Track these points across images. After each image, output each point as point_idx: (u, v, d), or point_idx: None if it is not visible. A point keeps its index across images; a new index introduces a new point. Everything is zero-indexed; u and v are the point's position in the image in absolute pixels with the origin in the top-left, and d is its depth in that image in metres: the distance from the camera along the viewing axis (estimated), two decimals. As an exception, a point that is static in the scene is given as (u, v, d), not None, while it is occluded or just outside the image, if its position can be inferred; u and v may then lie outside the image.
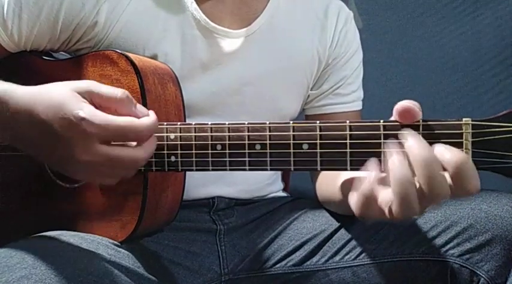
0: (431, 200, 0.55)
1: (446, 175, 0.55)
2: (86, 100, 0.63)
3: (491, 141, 0.56)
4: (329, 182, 0.84)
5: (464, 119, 0.57)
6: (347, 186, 0.61)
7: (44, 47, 0.82)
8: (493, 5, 1.40)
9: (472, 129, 0.57)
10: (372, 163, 0.58)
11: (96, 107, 0.63)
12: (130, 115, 0.64)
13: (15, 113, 0.64)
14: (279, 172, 1.01)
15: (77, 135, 0.61)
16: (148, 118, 0.64)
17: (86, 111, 0.61)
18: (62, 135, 0.61)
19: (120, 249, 0.75)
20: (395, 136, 0.58)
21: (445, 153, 0.55)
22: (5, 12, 0.77)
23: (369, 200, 0.57)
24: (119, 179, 0.65)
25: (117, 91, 0.64)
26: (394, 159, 0.55)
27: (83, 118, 0.60)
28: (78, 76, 0.76)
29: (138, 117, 0.64)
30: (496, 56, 1.40)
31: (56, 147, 0.62)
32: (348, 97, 0.96)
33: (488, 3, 1.40)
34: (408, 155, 0.55)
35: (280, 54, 0.90)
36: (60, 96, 0.62)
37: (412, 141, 0.56)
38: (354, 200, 0.59)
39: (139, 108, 0.66)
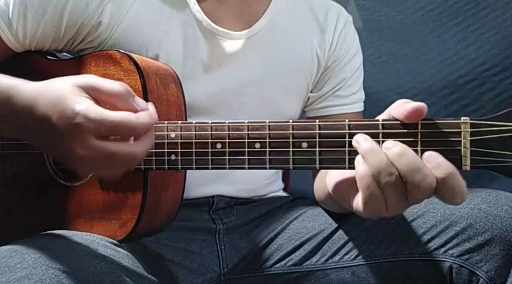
0: (413, 191, 0.57)
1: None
2: (86, 95, 0.62)
3: (489, 140, 0.57)
4: (323, 176, 0.84)
5: (462, 118, 0.58)
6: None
7: (49, 47, 0.83)
8: (494, 2, 1.39)
9: (471, 128, 0.57)
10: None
11: (97, 102, 0.62)
12: (129, 109, 0.62)
13: (19, 107, 0.64)
14: (279, 172, 1.01)
15: (74, 129, 0.60)
16: (145, 113, 0.62)
17: (83, 105, 0.60)
18: (60, 129, 0.60)
19: (120, 249, 0.75)
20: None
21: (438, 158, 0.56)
22: (10, 11, 0.78)
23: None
24: (120, 173, 0.64)
25: (116, 85, 0.62)
26: (358, 158, 0.58)
27: (78, 112, 0.59)
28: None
29: (136, 111, 0.62)
30: (497, 55, 1.39)
31: (55, 141, 0.62)
32: (347, 99, 0.96)
33: (488, 0, 1.40)
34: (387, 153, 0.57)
35: (280, 56, 0.91)
36: (61, 90, 0.62)
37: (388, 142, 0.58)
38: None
39: (138, 101, 0.64)
